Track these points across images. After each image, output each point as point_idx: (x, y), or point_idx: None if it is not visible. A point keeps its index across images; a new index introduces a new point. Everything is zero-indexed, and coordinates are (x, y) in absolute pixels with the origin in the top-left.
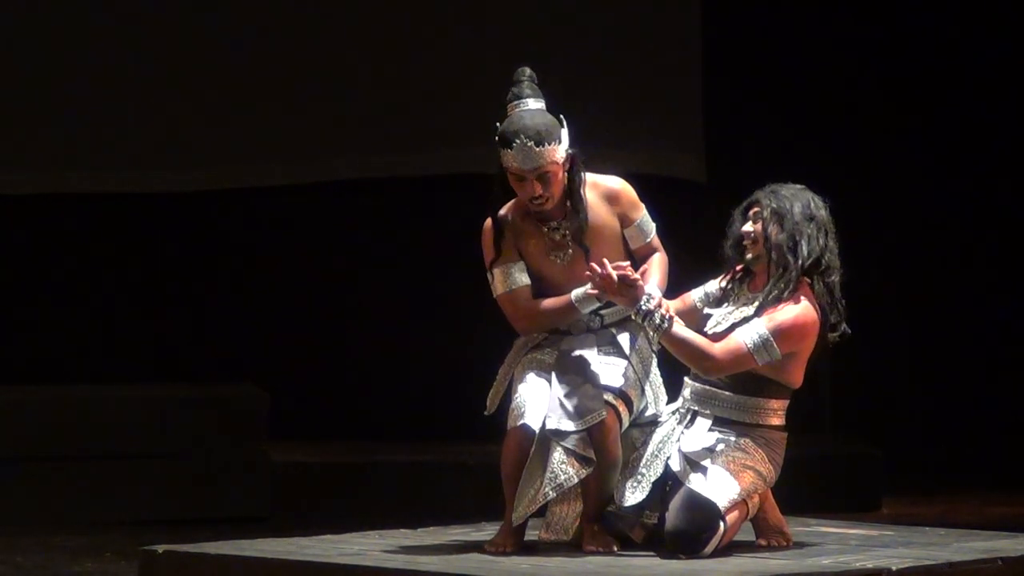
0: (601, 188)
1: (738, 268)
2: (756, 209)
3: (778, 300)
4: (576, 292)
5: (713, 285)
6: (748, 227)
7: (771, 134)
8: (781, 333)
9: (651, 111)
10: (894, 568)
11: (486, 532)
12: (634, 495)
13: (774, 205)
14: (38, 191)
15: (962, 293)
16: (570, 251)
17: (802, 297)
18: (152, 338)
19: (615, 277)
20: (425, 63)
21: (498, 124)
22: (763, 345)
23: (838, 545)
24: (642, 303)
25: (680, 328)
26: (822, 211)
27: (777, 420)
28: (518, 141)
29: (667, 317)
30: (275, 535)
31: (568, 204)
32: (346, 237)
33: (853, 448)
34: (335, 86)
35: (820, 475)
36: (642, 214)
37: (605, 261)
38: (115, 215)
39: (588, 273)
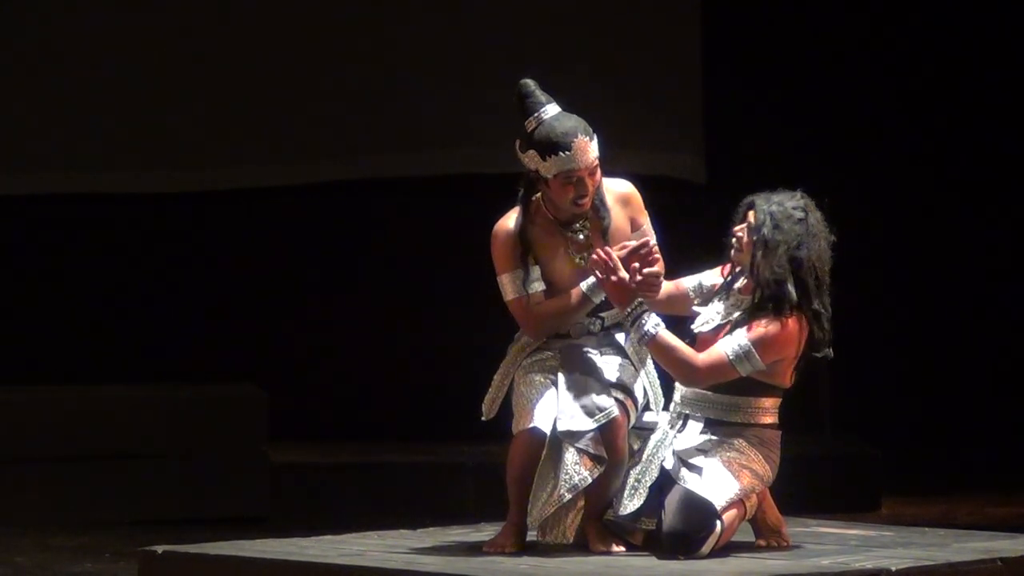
0: (614, 191)
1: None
2: (749, 216)
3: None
4: (585, 283)
5: (709, 276)
6: (739, 231)
7: (771, 135)
8: (763, 344)
9: (651, 112)
10: (893, 568)
11: (486, 533)
12: (631, 502)
13: (764, 231)
14: (38, 191)
15: (962, 293)
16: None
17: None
18: (152, 338)
19: (612, 257)
20: (424, 64)
21: (520, 140)
22: (745, 356)
23: (837, 545)
24: (632, 306)
25: (667, 335)
26: (810, 251)
27: (770, 418)
28: (576, 140)
29: (656, 323)
30: (275, 535)
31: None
32: (346, 238)
33: (853, 448)
34: (334, 87)
35: (820, 475)
36: (647, 219)
37: (598, 250)
38: (115, 215)
39: (593, 257)
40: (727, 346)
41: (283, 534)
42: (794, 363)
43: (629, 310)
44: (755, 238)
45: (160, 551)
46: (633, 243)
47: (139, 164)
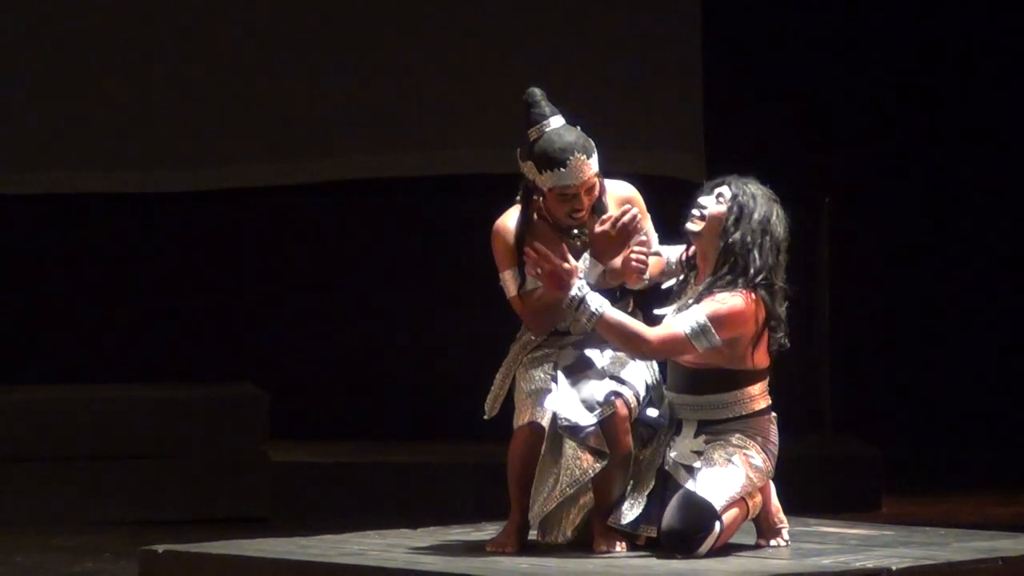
0: (615, 194)
1: (689, 252)
2: (721, 190)
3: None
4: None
5: (675, 251)
6: (706, 201)
7: (770, 135)
8: (718, 319)
9: (651, 111)
10: (894, 568)
11: (486, 532)
12: (631, 511)
13: (740, 199)
14: (38, 191)
15: (962, 293)
16: (590, 256)
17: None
18: (152, 338)
19: (540, 249)
20: (424, 64)
21: (521, 148)
22: (701, 331)
23: (838, 545)
24: (574, 290)
25: (613, 313)
26: (779, 229)
27: (761, 402)
28: (572, 158)
29: (600, 303)
30: (275, 535)
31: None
32: (346, 237)
33: (853, 448)
34: (335, 87)
35: (820, 475)
36: (649, 221)
37: (527, 248)
38: (115, 215)
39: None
40: (683, 323)
41: (283, 534)
42: (756, 342)
43: (571, 295)
44: (731, 204)
45: (160, 551)
46: (612, 214)
47: (138, 164)
